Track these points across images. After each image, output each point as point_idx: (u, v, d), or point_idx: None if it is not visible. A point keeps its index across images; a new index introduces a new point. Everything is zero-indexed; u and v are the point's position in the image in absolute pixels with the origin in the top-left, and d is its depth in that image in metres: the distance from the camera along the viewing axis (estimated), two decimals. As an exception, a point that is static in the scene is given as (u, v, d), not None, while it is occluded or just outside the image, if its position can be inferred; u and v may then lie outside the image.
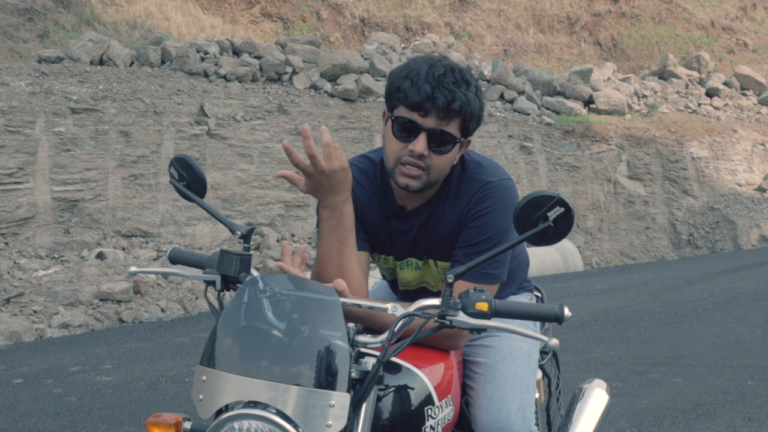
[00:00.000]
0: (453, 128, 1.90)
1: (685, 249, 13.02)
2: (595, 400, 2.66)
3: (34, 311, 6.77)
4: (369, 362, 1.61)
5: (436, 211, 2.04)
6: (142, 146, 9.49)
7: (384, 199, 2.08)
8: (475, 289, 1.58)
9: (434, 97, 1.85)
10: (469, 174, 2.02)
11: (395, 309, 1.64)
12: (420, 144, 1.88)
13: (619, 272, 10.41)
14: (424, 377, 1.82)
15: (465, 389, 2.16)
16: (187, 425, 1.69)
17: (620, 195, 13.19)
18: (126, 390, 4.78)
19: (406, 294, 2.23)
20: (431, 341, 1.92)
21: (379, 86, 11.69)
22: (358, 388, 1.59)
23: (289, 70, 11.55)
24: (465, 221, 1.99)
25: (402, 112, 1.90)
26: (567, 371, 4.14)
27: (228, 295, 2.48)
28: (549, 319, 1.59)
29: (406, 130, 1.90)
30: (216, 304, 1.85)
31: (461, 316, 1.57)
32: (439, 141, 1.89)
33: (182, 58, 10.84)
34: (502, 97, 13.54)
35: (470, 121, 1.92)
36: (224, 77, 11.00)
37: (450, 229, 2.02)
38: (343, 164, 1.81)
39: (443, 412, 1.87)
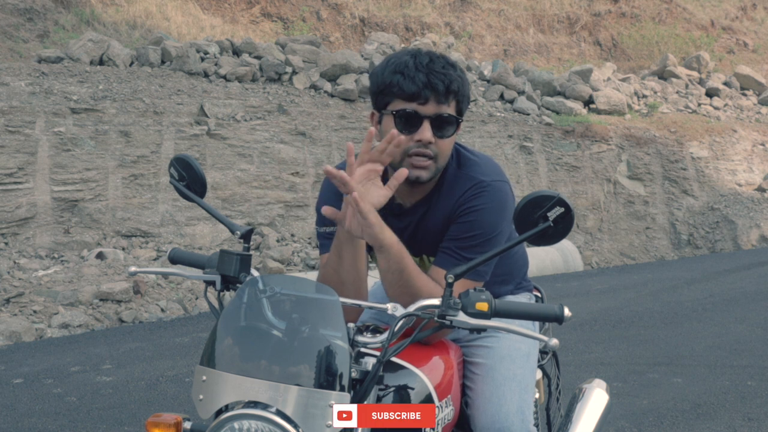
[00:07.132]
0: (452, 110, 1.95)
1: (685, 249, 13.01)
2: (595, 400, 2.66)
3: (34, 311, 6.76)
4: (369, 362, 1.61)
5: (430, 207, 2.05)
6: (142, 146, 9.49)
7: None
8: (475, 289, 1.58)
9: (432, 83, 1.89)
10: (464, 171, 2.03)
11: (395, 309, 1.64)
12: (426, 132, 1.91)
13: (619, 272, 10.41)
14: (424, 377, 1.82)
15: (464, 390, 2.16)
16: (187, 425, 1.69)
17: (620, 195, 13.18)
18: (126, 390, 4.78)
19: None
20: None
21: (379, 86, 11.68)
22: (358, 388, 1.58)
23: (289, 70, 11.55)
24: (455, 216, 2.00)
25: (399, 105, 1.93)
26: (567, 371, 4.14)
27: (228, 295, 2.47)
28: (549, 319, 1.59)
29: (408, 122, 1.92)
30: (216, 304, 1.85)
31: (461, 316, 1.57)
32: (441, 125, 1.93)
33: (182, 58, 10.84)
34: (502, 97, 13.53)
35: (463, 101, 1.98)
36: (224, 77, 10.99)
37: (440, 223, 2.02)
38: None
39: (443, 412, 1.87)
